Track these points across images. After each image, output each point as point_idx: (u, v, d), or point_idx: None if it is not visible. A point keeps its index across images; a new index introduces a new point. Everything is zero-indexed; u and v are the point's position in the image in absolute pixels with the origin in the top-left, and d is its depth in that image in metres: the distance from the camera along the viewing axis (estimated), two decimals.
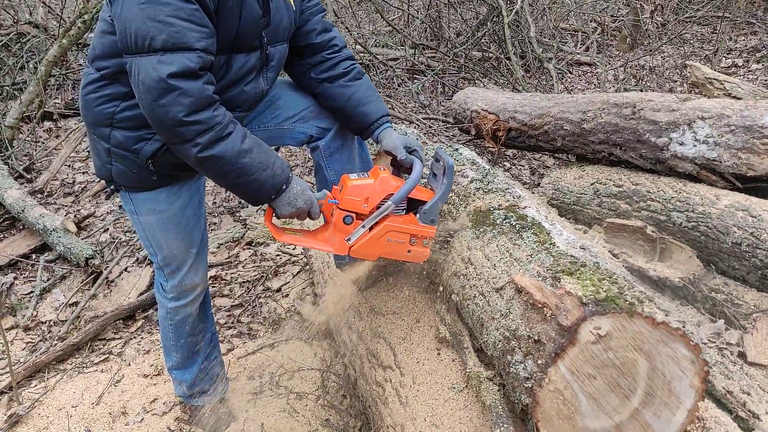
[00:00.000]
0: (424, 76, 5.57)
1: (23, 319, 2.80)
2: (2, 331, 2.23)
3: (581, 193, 2.89)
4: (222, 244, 3.37)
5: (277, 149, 2.05)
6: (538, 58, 5.43)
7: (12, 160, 4.19)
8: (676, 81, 5.31)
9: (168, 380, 2.30)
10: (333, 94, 1.78)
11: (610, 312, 1.21)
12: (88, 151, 4.38)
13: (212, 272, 3.08)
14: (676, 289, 2.19)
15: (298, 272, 3.06)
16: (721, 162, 2.39)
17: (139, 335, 2.70)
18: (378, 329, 1.88)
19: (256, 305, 2.85)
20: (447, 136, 4.45)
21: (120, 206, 3.71)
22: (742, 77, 5.09)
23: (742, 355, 1.87)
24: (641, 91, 4.82)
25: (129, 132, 1.54)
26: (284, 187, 1.52)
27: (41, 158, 4.42)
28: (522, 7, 5.35)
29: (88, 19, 4.19)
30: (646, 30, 6.36)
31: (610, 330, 1.20)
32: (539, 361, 1.26)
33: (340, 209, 1.61)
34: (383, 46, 6.29)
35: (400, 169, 1.77)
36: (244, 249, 3.34)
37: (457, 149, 2.34)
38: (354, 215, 1.62)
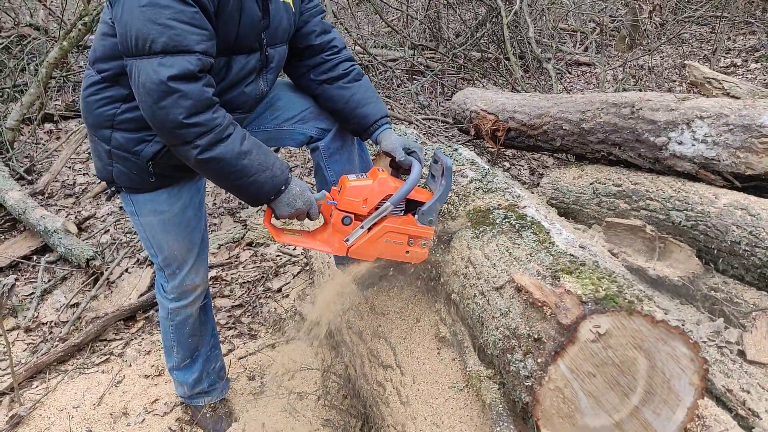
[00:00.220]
0: (424, 76, 5.58)
1: (24, 320, 2.81)
2: (4, 332, 2.24)
3: (580, 193, 2.90)
4: (222, 245, 3.37)
5: (276, 150, 2.05)
6: (537, 58, 5.43)
7: (13, 162, 4.19)
8: (675, 81, 5.32)
9: (169, 381, 2.31)
10: (332, 95, 1.78)
11: (609, 310, 1.21)
12: (89, 153, 4.39)
13: (213, 273, 3.08)
14: (675, 288, 2.19)
15: (299, 273, 3.07)
16: (719, 161, 2.40)
17: (140, 336, 2.70)
18: (378, 329, 1.88)
19: (256, 306, 2.86)
20: (446, 137, 4.46)
21: (120, 207, 3.72)
22: (741, 77, 5.10)
23: (741, 354, 1.87)
24: (640, 90, 4.82)
25: (130, 134, 1.55)
26: (283, 188, 1.53)
27: (42, 160, 4.43)
28: (521, 8, 5.35)
29: (88, 21, 4.20)
30: (645, 30, 6.37)
31: (609, 328, 1.21)
32: (539, 360, 1.27)
33: (339, 210, 1.62)
34: (382, 47, 6.30)
35: (399, 170, 1.77)
36: (244, 250, 3.34)
37: (456, 149, 2.35)
38: (353, 216, 1.62)
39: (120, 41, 1.37)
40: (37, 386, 2.38)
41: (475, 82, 5.57)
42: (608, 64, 5.93)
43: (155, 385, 2.36)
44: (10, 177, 3.87)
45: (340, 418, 2.06)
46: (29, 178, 4.17)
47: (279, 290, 2.96)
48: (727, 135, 2.37)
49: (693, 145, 2.47)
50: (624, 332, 1.21)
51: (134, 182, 1.63)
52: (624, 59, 5.95)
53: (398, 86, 5.47)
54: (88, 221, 3.65)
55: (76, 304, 2.91)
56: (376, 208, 1.62)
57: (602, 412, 1.25)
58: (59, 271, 3.14)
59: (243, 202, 3.76)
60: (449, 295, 1.80)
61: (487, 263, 1.62)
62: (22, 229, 3.52)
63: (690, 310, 2.15)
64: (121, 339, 2.68)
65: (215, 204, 3.87)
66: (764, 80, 4.95)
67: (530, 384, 1.28)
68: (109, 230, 3.54)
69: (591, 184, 2.87)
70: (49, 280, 3.08)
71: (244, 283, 3.04)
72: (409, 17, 6.51)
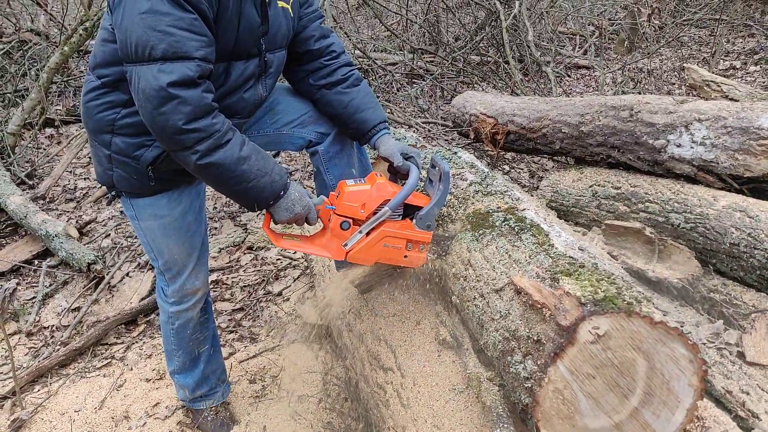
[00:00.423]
0: (423, 80, 5.60)
1: (26, 324, 2.81)
2: (6, 336, 2.24)
3: (580, 195, 2.91)
4: (223, 249, 3.38)
5: (276, 154, 2.06)
6: (537, 61, 5.45)
7: (14, 167, 4.20)
8: (674, 84, 5.33)
9: (170, 384, 2.31)
10: (331, 100, 1.79)
11: (608, 312, 1.22)
12: (90, 158, 4.40)
13: (213, 276, 3.09)
14: (674, 289, 2.19)
15: (299, 276, 3.07)
16: (718, 163, 2.41)
17: (141, 340, 2.71)
18: (379, 332, 1.89)
19: (257, 309, 2.86)
20: (446, 140, 4.47)
21: (121, 212, 3.73)
22: (740, 79, 5.11)
23: (741, 355, 1.88)
24: (639, 93, 4.83)
25: (130, 139, 1.55)
26: (282, 193, 1.53)
27: (43, 165, 4.44)
28: (520, 12, 5.37)
29: (89, 26, 4.22)
30: (644, 33, 6.38)
31: (608, 330, 1.22)
32: (539, 361, 1.27)
33: (337, 215, 1.63)
34: (382, 51, 6.32)
35: (397, 175, 1.78)
36: (244, 253, 3.35)
37: (456, 152, 2.35)
38: (351, 221, 1.63)
39: (120, 47, 1.38)
40: (38, 390, 2.39)
41: (475, 85, 5.59)
42: (607, 67, 5.95)
43: (156, 388, 2.36)
44: (12, 182, 3.88)
45: (341, 421, 2.06)
46: (30, 182, 4.18)
47: (279, 294, 2.97)
48: (726, 137, 2.38)
49: (691, 147, 2.48)
50: (623, 334, 1.22)
51: (134, 187, 1.64)
52: (623, 62, 5.97)
53: (398, 90, 5.49)
54: (89, 225, 3.66)
55: (78, 308, 2.92)
56: (375, 213, 1.63)
57: (602, 414, 1.26)
58: (60, 275, 3.15)
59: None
60: (449, 297, 1.81)
61: (486, 266, 1.63)
62: (24, 233, 3.53)
63: (689, 311, 2.15)
64: (122, 343, 2.69)
65: (216, 208, 3.88)
66: (763, 83, 4.97)
67: (530, 385, 1.28)
68: (110, 234, 3.55)
69: (590, 186, 2.88)
70: (50, 285, 3.09)
71: (244, 286, 3.04)
72: (408, 21, 6.53)
